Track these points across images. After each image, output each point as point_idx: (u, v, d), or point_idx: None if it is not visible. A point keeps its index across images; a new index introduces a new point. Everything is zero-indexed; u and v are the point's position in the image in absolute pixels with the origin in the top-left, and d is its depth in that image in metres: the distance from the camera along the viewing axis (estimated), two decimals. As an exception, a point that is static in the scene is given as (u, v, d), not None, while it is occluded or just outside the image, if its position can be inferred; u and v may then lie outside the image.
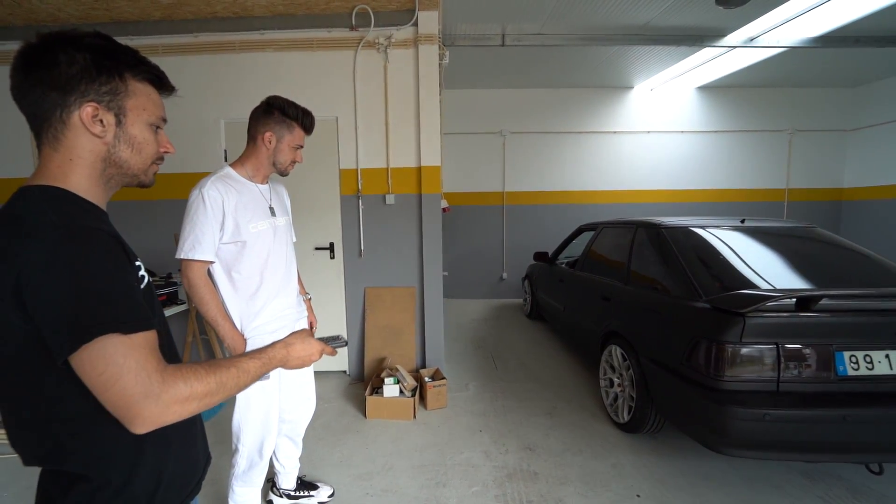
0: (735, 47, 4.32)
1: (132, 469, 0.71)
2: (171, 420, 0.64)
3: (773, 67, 5.11)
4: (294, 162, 1.66)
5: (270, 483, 2.01)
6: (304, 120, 1.62)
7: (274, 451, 1.91)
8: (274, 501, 1.98)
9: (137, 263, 0.73)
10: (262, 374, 0.79)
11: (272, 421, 1.67)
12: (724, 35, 4.17)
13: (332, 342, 0.97)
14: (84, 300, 0.59)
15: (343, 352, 3.44)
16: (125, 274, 0.66)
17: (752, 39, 4.21)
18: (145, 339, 0.64)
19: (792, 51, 4.46)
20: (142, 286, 0.73)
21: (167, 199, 3.24)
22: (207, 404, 0.68)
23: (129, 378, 0.60)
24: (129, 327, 0.62)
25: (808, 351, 1.78)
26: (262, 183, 1.67)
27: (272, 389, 1.66)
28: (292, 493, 1.99)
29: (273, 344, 0.85)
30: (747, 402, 1.75)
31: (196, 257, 1.48)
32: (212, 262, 1.53)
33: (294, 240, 1.87)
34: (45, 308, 0.59)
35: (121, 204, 3.16)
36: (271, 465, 1.90)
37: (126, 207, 3.20)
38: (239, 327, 1.59)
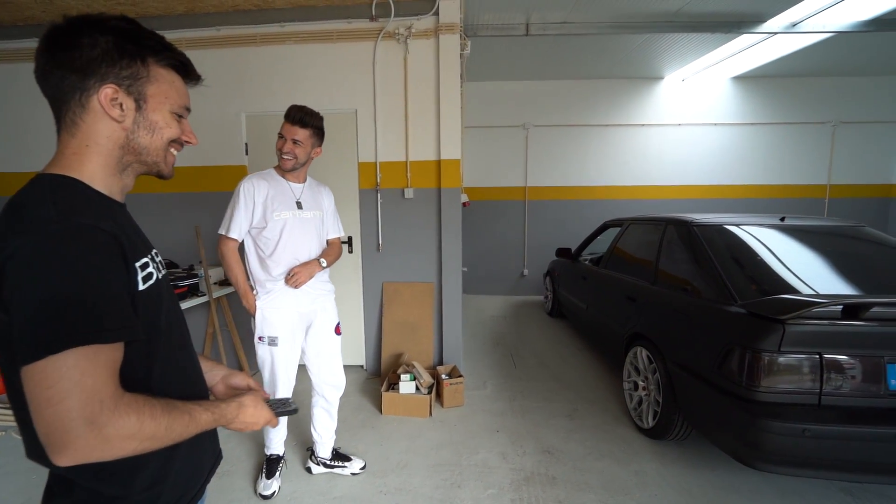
0: (775, 33, 4.06)
1: (130, 478, 0.68)
2: (102, 457, 0.57)
3: (818, 55, 4.79)
4: (281, 151, 1.87)
5: (309, 451, 2.24)
6: (287, 110, 1.85)
7: (313, 423, 2.17)
8: (312, 468, 2.20)
9: (144, 261, 0.70)
10: (208, 428, 0.72)
11: (281, 378, 1.94)
12: (764, 20, 3.91)
13: (279, 408, 0.90)
14: (59, 307, 0.55)
15: (360, 345, 3.43)
16: (114, 278, 0.62)
17: (794, 25, 3.94)
18: (109, 359, 0.59)
19: (839, 36, 4.16)
20: (147, 285, 0.69)
21: (189, 192, 3.29)
22: (145, 448, 0.61)
23: (77, 398, 0.54)
24: (106, 336, 0.58)
25: (855, 363, 1.64)
26: (295, 182, 1.95)
27: (284, 357, 1.94)
28: (328, 462, 2.19)
29: (229, 401, 0.78)
30: (785, 416, 1.63)
31: (228, 235, 1.86)
32: (239, 241, 1.89)
33: (341, 234, 2.17)
34: (19, 307, 0.56)
35: (141, 196, 3.21)
36: (311, 433, 2.19)
37: (146, 200, 3.26)
38: (255, 296, 1.93)
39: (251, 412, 0.80)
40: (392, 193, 3.22)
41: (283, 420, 2.04)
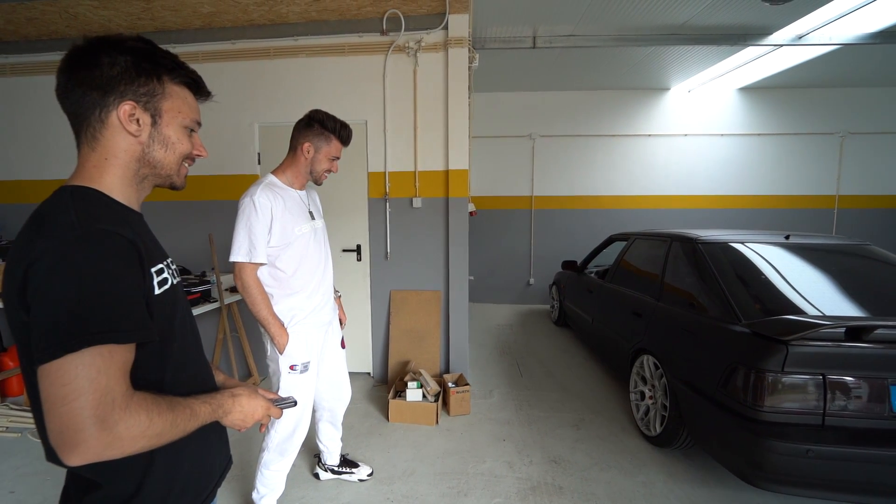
0: (781, 46, 4.08)
1: (143, 476, 0.71)
2: (111, 456, 0.59)
3: (824, 66, 4.81)
4: (329, 171, 1.78)
5: (317, 458, 2.25)
6: (342, 132, 1.73)
7: (318, 435, 2.15)
8: (319, 474, 2.21)
9: (159, 267, 0.73)
10: (207, 422, 0.74)
11: (306, 412, 1.82)
12: (770, 33, 3.94)
13: (280, 403, 0.92)
14: (78, 307, 0.58)
15: (368, 353, 3.46)
16: (131, 281, 0.65)
17: (800, 37, 3.97)
18: (122, 359, 0.62)
19: (846, 48, 4.17)
20: (162, 290, 0.72)
21: (203, 200, 3.37)
22: (152, 445, 0.64)
23: (91, 397, 0.56)
24: (121, 336, 0.61)
25: (859, 384, 1.64)
26: (300, 189, 1.80)
27: (311, 382, 1.80)
28: (336, 469, 2.20)
29: (223, 392, 0.80)
30: (789, 436, 1.64)
31: (252, 260, 1.61)
32: (264, 264, 1.66)
33: None
34: (39, 308, 0.58)
35: (157, 205, 3.29)
36: (317, 444, 2.19)
37: (162, 208, 3.34)
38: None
39: (245, 401, 0.81)
40: (401, 203, 3.27)
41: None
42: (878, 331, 1.65)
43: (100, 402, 0.57)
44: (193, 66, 0.80)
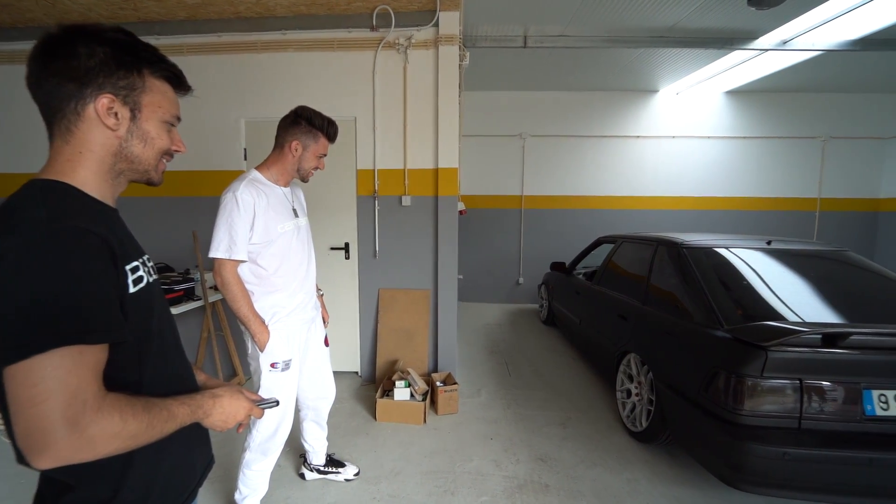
0: (767, 50, 4.16)
1: (120, 477, 0.69)
2: (84, 458, 0.57)
3: (808, 71, 4.91)
4: (316, 168, 1.76)
5: (302, 458, 2.23)
6: (329, 130, 1.72)
7: (303, 434, 2.11)
8: (305, 474, 2.18)
9: (135, 264, 0.70)
10: (186, 424, 0.72)
11: (289, 411, 1.79)
12: (756, 37, 4.01)
13: (262, 403, 0.90)
14: (46, 307, 0.56)
15: (355, 352, 3.43)
16: (102, 280, 0.62)
17: (785, 42, 4.04)
18: (93, 359, 0.59)
19: (828, 54, 4.26)
20: (138, 288, 0.70)
21: (188, 196, 3.30)
22: (128, 447, 0.62)
23: (61, 398, 0.55)
24: (91, 337, 0.58)
25: (833, 388, 1.69)
26: (284, 186, 1.77)
27: (293, 381, 1.76)
28: (322, 469, 2.17)
29: (203, 393, 0.79)
30: (766, 439, 1.68)
31: (232, 257, 1.57)
32: (244, 262, 1.63)
33: None
34: (6, 308, 0.56)
35: (139, 200, 3.21)
36: (303, 444, 2.15)
37: (145, 204, 3.26)
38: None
39: (227, 402, 0.80)
40: (389, 201, 3.25)
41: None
42: (853, 337, 1.71)
43: (70, 404, 0.55)
44: (178, 58, 0.79)
